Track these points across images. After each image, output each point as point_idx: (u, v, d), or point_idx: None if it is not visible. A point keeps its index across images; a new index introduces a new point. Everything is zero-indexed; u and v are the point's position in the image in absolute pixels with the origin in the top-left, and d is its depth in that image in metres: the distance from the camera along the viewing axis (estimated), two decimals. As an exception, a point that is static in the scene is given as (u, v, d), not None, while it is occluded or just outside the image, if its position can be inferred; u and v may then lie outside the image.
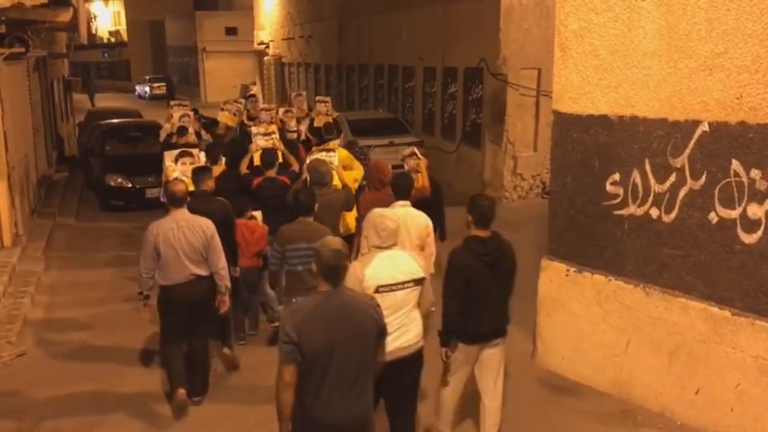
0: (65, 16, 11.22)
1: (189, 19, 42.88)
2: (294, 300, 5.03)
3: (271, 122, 10.63)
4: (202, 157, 8.05)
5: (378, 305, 3.78)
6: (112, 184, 13.36)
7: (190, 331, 5.81)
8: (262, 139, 8.93)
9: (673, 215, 5.31)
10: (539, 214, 9.02)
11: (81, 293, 8.94)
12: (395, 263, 4.36)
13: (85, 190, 15.15)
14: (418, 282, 4.41)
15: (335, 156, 7.87)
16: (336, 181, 7.17)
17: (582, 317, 6.12)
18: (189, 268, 5.50)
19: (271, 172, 7.54)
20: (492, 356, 4.87)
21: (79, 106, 27.24)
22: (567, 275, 6.24)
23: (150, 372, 6.67)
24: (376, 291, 4.21)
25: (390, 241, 4.40)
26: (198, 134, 10.81)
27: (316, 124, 11.42)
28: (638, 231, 5.60)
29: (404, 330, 4.35)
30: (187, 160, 7.91)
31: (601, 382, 6.00)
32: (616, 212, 5.75)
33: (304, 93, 15.39)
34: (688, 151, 5.16)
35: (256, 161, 8.28)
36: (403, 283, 4.33)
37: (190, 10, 45.48)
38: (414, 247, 5.49)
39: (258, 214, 7.19)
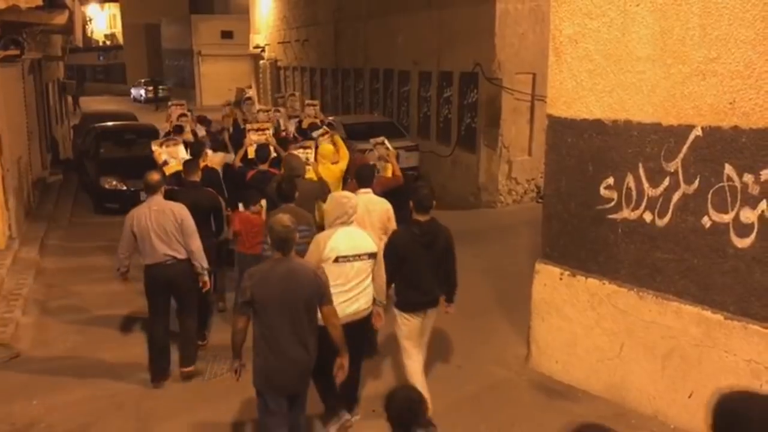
0: (60, 19, 11.21)
1: (185, 22, 42.89)
2: None
3: (268, 121, 11.24)
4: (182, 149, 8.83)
5: (322, 273, 4.56)
6: (107, 186, 13.33)
7: (180, 310, 6.46)
8: (256, 134, 9.47)
9: (666, 219, 5.34)
10: (533, 218, 9.04)
11: (75, 295, 8.92)
12: (353, 238, 5.07)
13: (79, 192, 15.12)
14: (372, 255, 5.14)
15: (311, 152, 8.65)
16: (310, 174, 7.86)
17: (576, 321, 6.14)
18: (162, 248, 6.05)
19: (264, 165, 8.11)
20: (426, 321, 5.63)
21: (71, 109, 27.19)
22: (561, 279, 6.26)
23: (145, 375, 6.66)
24: (335, 260, 4.95)
25: (350, 219, 5.12)
26: (194, 132, 11.19)
27: (303, 126, 12.14)
28: (632, 235, 5.62)
29: (357, 298, 5.09)
30: (171, 142, 8.83)
31: (595, 385, 6.01)
32: (610, 216, 5.77)
33: (297, 93, 16.21)
34: (681, 155, 5.19)
35: (251, 155, 8.73)
36: (359, 255, 5.06)
37: (186, 13, 45.51)
38: (375, 230, 6.07)
39: (264, 202, 7.50)
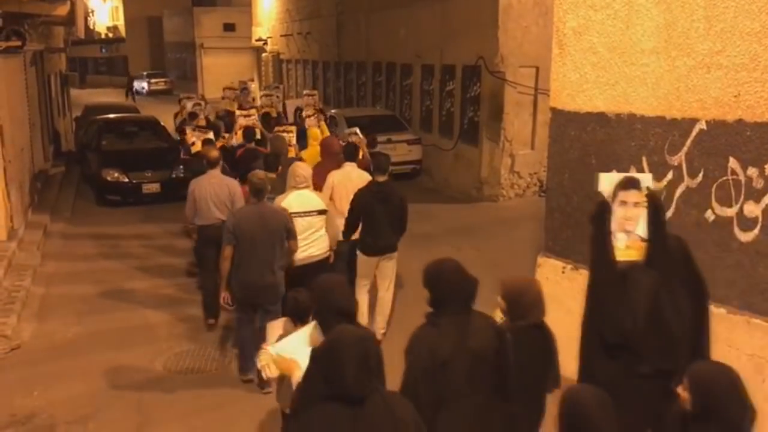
0: (62, 10, 11.20)
1: (187, 15, 42.79)
2: None
3: (272, 106, 13.69)
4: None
5: (289, 215, 6.01)
6: (109, 178, 13.32)
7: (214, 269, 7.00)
8: (244, 119, 10.99)
9: (670, 213, 5.29)
10: (536, 212, 9.02)
11: (77, 287, 8.91)
12: (303, 199, 6.39)
13: (81, 184, 15.11)
14: (321, 212, 6.44)
15: (293, 135, 10.05)
16: (291, 153, 9.30)
17: (578, 314, 6.08)
18: (215, 213, 7.15)
19: (251, 144, 9.65)
20: (385, 266, 6.91)
21: (75, 101, 27.16)
22: (563, 272, 6.24)
23: (145, 366, 6.67)
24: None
25: (302, 184, 6.40)
26: (207, 119, 12.56)
27: (303, 115, 13.01)
28: (635, 229, 5.59)
29: (311, 244, 6.41)
30: (202, 131, 10.42)
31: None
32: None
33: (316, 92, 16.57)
34: (685, 148, 5.16)
35: (239, 137, 10.37)
36: (309, 212, 6.38)
37: (188, 6, 45.35)
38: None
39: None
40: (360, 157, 8.37)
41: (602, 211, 4.00)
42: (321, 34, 22.39)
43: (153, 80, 43.60)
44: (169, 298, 8.43)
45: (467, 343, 3.37)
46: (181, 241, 10.30)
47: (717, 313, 5.07)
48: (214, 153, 7.50)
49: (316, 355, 2.85)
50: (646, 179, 4.12)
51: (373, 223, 6.67)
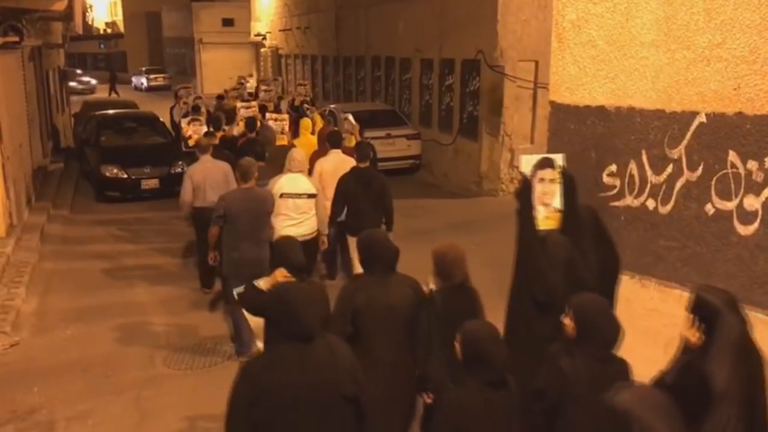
0: (60, 5, 11.16)
1: (186, 10, 42.68)
2: None
3: (269, 100, 14.40)
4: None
5: (272, 196, 6.68)
6: (108, 175, 13.30)
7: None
8: (245, 110, 11.67)
9: (669, 207, 5.29)
10: (536, 206, 8.98)
11: (76, 283, 8.91)
12: (296, 181, 6.99)
13: (80, 180, 15.10)
14: (311, 196, 7.00)
15: (285, 123, 11.14)
16: (283, 141, 10.31)
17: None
18: (211, 195, 7.59)
19: (252, 134, 10.13)
20: None
21: (74, 96, 27.12)
22: (563, 267, 6.23)
23: (144, 362, 6.66)
24: (281, 196, 6.85)
25: (296, 168, 7.04)
26: (208, 111, 13.44)
27: (296, 104, 14.85)
28: (634, 222, 5.58)
29: (299, 225, 6.91)
30: (196, 122, 11.45)
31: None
32: (613, 203, 5.73)
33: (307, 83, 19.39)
34: (685, 142, 5.14)
35: (240, 127, 10.92)
36: (299, 194, 6.94)
37: (187, 1, 45.18)
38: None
39: None
40: (352, 144, 8.95)
41: (525, 188, 4.68)
42: (320, 28, 22.34)
43: (152, 76, 43.50)
44: (169, 295, 8.42)
45: (380, 296, 4.13)
46: (179, 234, 10.31)
47: (717, 306, 5.06)
48: (204, 140, 8.45)
49: (270, 303, 3.45)
50: (559, 158, 4.82)
51: (357, 206, 7.24)
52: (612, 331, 3.52)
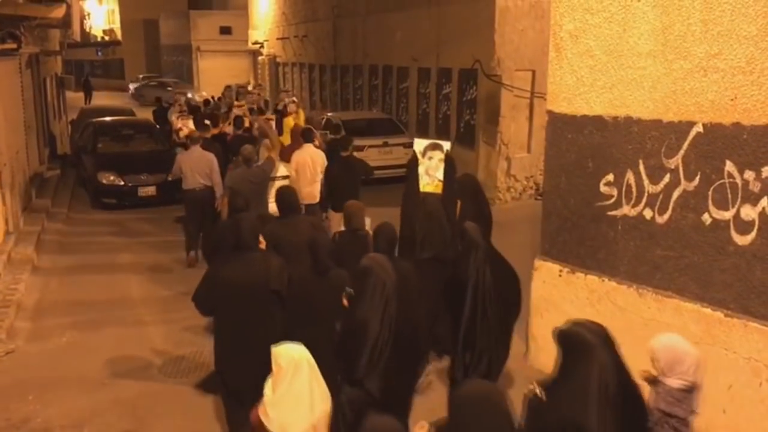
0: (58, 12, 11.18)
1: (183, 18, 42.68)
2: None
3: (254, 103, 16.78)
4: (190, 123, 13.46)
5: (267, 174, 8.38)
6: (105, 181, 13.27)
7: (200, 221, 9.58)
8: (237, 109, 14.06)
9: (666, 216, 5.31)
10: (532, 216, 9.00)
11: (72, 290, 8.88)
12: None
13: (77, 187, 15.06)
14: (285, 177, 9.02)
15: (273, 122, 12.77)
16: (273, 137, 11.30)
17: (574, 317, 6.09)
18: (197, 179, 9.35)
19: (239, 131, 11.79)
20: None
21: (72, 104, 27.10)
22: (560, 276, 6.24)
23: (141, 369, 6.64)
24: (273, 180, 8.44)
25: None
26: (199, 109, 15.98)
27: (278, 108, 16.51)
28: (632, 232, 5.59)
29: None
30: (184, 116, 14.11)
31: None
32: (610, 213, 5.74)
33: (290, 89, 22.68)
34: (682, 152, 5.16)
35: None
36: (286, 176, 8.98)
37: (185, 9, 45.26)
38: (316, 172, 9.19)
39: None
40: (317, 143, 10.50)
41: (413, 162, 6.82)
42: (317, 37, 22.39)
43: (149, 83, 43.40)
44: (165, 302, 8.40)
45: (287, 234, 5.74)
46: (175, 242, 10.28)
47: (714, 316, 5.08)
48: (196, 133, 10.45)
49: (227, 229, 5.70)
50: (446, 145, 6.90)
51: (339, 187, 8.54)
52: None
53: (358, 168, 9.04)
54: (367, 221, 5.92)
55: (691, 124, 5.07)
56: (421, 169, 6.71)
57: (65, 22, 14.17)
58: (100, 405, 5.99)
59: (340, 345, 4.23)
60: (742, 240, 4.85)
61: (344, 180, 8.68)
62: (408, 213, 6.72)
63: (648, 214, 5.45)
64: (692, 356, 3.85)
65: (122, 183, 13.25)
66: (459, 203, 6.51)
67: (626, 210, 5.61)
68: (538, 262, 6.49)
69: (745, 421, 4.96)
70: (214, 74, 39.64)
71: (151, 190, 13.26)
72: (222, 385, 5.07)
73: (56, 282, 9.27)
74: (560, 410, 3.20)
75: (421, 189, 6.69)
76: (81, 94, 37.68)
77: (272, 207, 7.53)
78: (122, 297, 8.66)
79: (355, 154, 12.13)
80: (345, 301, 4.46)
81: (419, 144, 6.88)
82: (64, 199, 14.23)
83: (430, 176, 6.71)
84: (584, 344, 3.27)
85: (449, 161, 6.68)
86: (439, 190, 6.69)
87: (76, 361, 6.85)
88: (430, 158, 6.71)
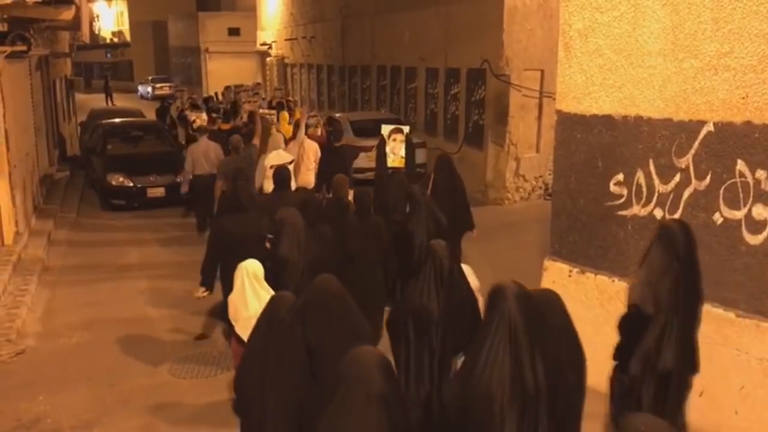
0: (67, 14, 11.21)
1: (192, 19, 42.84)
2: None
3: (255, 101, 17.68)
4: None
5: (252, 161, 9.56)
6: (114, 183, 13.33)
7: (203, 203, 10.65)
8: (248, 105, 15.24)
9: (677, 216, 5.27)
10: (541, 216, 8.98)
11: (81, 291, 8.91)
12: (278, 155, 9.52)
13: (86, 189, 15.13)
14: (290, 162, 9.25)
15: (274, 116, 13.67)
16: (274, 131, 12.23)
17: (584, 318, 6.06)
18: (205, 166, 10.56)
19: (252, 125, 12.59)
20: None
21: (80, 105, 27.23)
22: (570, 276, 6.21)
23: (150, 370, 6.65)
24: (270, 167, 8.58)
25: (277, 146, 9.98)
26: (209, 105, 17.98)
27: (273, 104, 17.32)
28: (642, 231, 5.56)
29: None
30: (197, 110, 15.80)
31: (603, 383, 5.94)
32: (620, 213, 5.71)
33: (283, 88, 24.37)
34: (692, 151, 5.13)
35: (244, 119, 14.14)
36: (283, 164, 8.60)
37: (193, 10, 45.47)
38: (310, 162, 9.87)
39: None
40: (319, 133, 11.43)
41: (382, 143, 9.00)
42: (325, 38, 22.40)
43: (158, 85, 43.65)
44: (175, 300, 8.40)
45: (280, 202, 6.60)
46: (185, 242, 10.30)
47: (725, 316, 5.04)
48: (206, 125, 12.21)
49: (229, 197, 7.09)
50: (406, 129, 9.25)
51: (333, 173, 9.03)
52: None
53: (348, 156, 10.29)
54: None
55: (702, 123, 5.04)
56: (387, 149, 8.88)
57: (74, 24, 14.19)
58: (110, 405, 6.00)
59: (269, 273, 5.10)
60: (753, 239, 4.82)
61: (335, 166, 9.18)
62: (380, 184, 8.62)
63: (658, 213, 5.41)
64: None
65: (131, 184, 13.30)
66: (432, 178, 8.07)
67: (636, 210, 5.58)
68: (547, 263, 6.46)
69: (757, 422, 4.92)
70: (223, 75, 39.71)
71: (159, 192, 13.30)
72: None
73: (66, 282, 9.30)
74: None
75: (389, 165, 8.86)
76: (90, 96, 37.89)
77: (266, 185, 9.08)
78: (131, 297, 8.68)
79: (362, 155, 13.24)
80: (267, 244, 5.74)
81: (385, 129, 8.95)
82: (73, 200, 14.30)
83: (395, 154, 8.91)
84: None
85: (408, 141, 9.08)
86: (402, 165, 8.88)
87: (86, 362, 6.87)
88: (394, 140, 8.94)
